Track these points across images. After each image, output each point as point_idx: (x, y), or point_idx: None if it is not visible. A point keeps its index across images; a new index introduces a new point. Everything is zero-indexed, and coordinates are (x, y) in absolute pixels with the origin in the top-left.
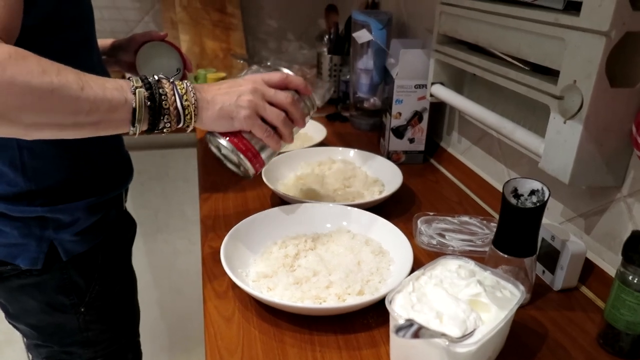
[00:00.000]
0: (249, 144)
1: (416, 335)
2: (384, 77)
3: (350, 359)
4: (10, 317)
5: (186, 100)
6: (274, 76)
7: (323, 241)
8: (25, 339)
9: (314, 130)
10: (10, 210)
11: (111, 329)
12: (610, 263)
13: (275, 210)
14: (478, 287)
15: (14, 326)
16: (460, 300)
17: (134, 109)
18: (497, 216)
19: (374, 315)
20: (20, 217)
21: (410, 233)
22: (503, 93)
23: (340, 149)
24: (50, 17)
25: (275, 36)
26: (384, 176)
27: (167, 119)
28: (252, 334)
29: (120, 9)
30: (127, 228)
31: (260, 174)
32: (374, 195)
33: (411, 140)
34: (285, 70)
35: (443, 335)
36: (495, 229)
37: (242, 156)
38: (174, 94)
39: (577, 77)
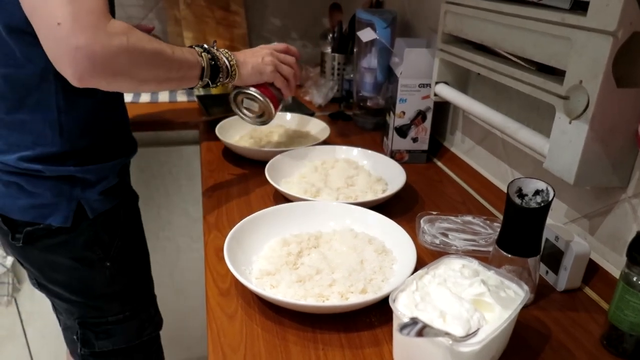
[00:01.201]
0: (272, 92)
1: (420, 333)
2: (388, 76)
3: (354, 358)
4: (41, 280)
5: (231, 61)
6: (279, 45)
7: (326, 239)
8: (55, 306)
9: (317, 129)
10: (46, 170)
11: (134, 284)
12: (614, 264)
13: (279, 208)
14: (482, 286)
15: (46, 291)
16: (463, 299)
17: (203, 68)
18: (500, 216)
19: (376, 314)
20: (54, 176)
21: (413, 232)
22: (508, 93)
23: (344, 147)
24: None
25: (278, 34)
26: (387, 175)
27: (221, 75)
28: (255, 331)
29: (124, 6)
30: (134, 198)
31: (264, 172)
32: (377, 194)
33: (414, 140)
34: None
35: (447, 334)
36: (498, 229)
37: (268, 101)
38: (222, 57)
39: (583, 77)
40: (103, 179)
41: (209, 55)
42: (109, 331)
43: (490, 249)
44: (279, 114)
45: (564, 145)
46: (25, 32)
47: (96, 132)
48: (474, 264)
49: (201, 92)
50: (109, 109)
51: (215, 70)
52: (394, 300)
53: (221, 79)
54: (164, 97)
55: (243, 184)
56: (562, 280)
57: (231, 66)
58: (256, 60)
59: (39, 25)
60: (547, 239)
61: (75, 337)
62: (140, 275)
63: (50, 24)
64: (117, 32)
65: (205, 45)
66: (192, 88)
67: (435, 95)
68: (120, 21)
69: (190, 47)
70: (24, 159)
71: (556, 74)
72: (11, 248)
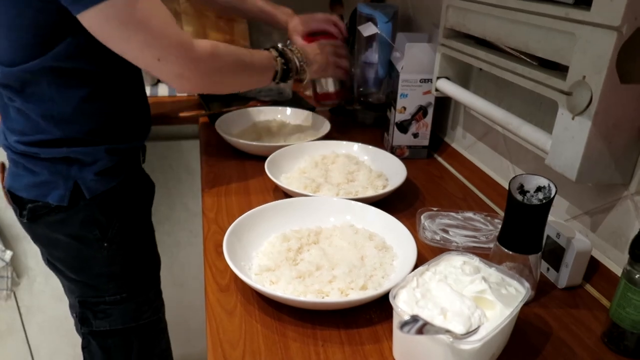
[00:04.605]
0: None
1: (421, 331)
2: (389, 71)
3: (353, 354)
4: (47, 257)
5: (302, 62)
6: (337, 42)
7: (326, 235)
8: (62, 284)
9: (318, 123)
10: (42, 152)
11: (133, 266)
12: (615, 261)
13: (279, 203)
14: (483, 283)
15: (53, 267)
16: (465, 296)
17: (277, 72)
18: (501, 213)
19: (376, 311)
20: (49, 157)
21: (413, 228)
22: (510, 88)
23: (344, 143)
24: None
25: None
26: (387, 171)
27: (291, 74)
28: (254, 327)
29: None
30: (145, 185)
31: (264, 167)
32: (378, 189)
33: (415, 135)
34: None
35: (447, 331)
36: (499, 226)
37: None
38: (295, 59)
39: (586, 73)
40: (98, 160)
41: (283, 60)
42: (106, 311)
43: (491, 245)
44: (278, 108)
45: (567, 141)
46: (22, 31)
47: (88, 121)
48: (475, 261)
49: None
50: (100, 100)
51: (286, 72)
52: (394, 297)
53: (291, 77)
54: (163, 91)
55: (243, 179)
56: (563, 277)
57: (301, 67)
58: (323, 59)
59: (144, 63)
60: (548, 236)
61: (75, 315)
62: (140, 259)
63: (152, 61)
64: (206, 55)
65: (280, 45)
66: None
67: (437, 90)
68: (204, 41)
69: (267, 49)
70: (22, 143)
71: (559, 69)
72: (22, 225)
